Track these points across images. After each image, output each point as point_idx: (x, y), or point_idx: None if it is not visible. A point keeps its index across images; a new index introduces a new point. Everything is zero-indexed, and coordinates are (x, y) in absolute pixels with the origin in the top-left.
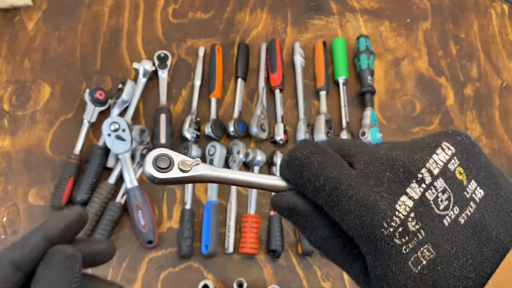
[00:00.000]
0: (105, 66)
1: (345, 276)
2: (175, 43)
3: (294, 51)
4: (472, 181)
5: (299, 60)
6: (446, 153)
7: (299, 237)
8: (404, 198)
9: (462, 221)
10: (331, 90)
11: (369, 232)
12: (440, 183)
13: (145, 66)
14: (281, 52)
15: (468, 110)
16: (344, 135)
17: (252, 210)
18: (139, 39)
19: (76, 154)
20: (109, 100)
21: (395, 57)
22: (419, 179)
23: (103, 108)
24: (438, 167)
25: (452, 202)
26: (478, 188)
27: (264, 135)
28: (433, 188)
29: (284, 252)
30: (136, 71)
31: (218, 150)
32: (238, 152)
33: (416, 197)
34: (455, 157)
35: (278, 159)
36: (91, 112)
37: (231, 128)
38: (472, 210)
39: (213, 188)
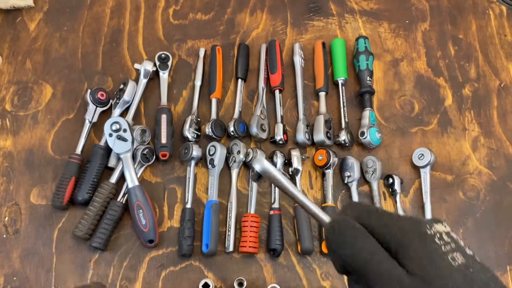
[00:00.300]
0: (107, 66)
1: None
2: (176, 44)
3: (294, 52)
4: (469, 250)
5: (298, 61)
6: (447, 226)
7: (298, 236)
8: (437, 225)
9: (477, 259)
10: (331, 90)
11: (417, 230)
12: (454, 234)
13: (146, 66)
14: (280, 53)
15: (467, 111)
16: (343, 135)
17: (252, 209)
18: (140, 40)
19: (77, 154)
20: (111, 101)
21: (394, 57)
22: (443, 223)
23: (105, 108)
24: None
25: (467, 246)
26: (475, 257)
27: (264, 135)
28: (453, 234)
29: (284, 251)
30: (137, 71)
31: (218, 150)
32: (238, 152)
33: (446, 230)
34: (454, 232)
35: (278, 159)
36: (92, 112)
37: (231, 128)
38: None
39: (213, 187)
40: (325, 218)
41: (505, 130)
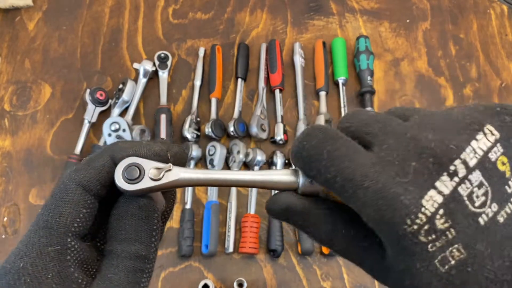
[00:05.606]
0: (106, 66)
1: (345, 275)
2: (175, 43)
3: (294, 51)
4: None
5: (299, 61)
6: (488, 139)
7: (298, 236)
8: (432, 192)
9: (501, 219)
10: (331, 90)
11: (390, 228)
12: (476, 176)
13: (146, 66)
14: (281, 53)
15: None
16: None
17: (252, 210)
18: (140, 40)
19: (76, 154)
20: (110, 100)
21: (395, 57)
22: (451, 171)
23: (104, 108)
24: (476, 157)
25: (489, 198)
26: None
27: (264, 135)
28: (467, 182)
29: (284, 251)
30: (137, 71)
31: (218, 150)
32: (238, 152)
33: (446, 192)
34: (498, 144)
35: (278, 159)
36: (91, 112)
37: (231, 128)
38: None
39: (213, 188)
40: (289, 177)
41: None
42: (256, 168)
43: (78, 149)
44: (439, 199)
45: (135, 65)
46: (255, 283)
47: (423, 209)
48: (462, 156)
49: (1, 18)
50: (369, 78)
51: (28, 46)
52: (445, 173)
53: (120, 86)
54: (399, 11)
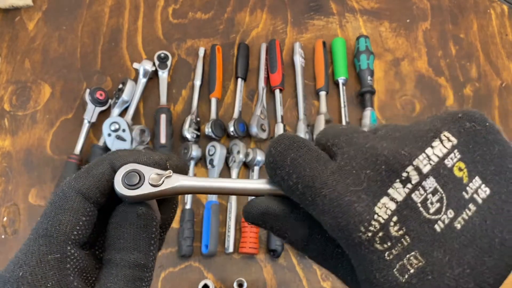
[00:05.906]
0: (106, 66)
1: None
2: (175, 43)
3: (294, 51)
4: (476, 177)
5: (299, 60)
6: (445, 146)
7: None
8: (385, 199)
9: (458, 226)
10: (331, 90)
11: (347, 235)
12: (430, 183)
13: (145, 66)
14: (281, 52)
15: None
16: None
17: None
18: (139, 39)
19: (76, 154)
20: (109, 100)
21: (395, 57)
22: (403, 178)
23: (104, 108)
24: (430, 164)
25: (444, 204)
26: (483, 186)
27: (264, 135)
28: (421, 189)
29: (284, 251)
30: (136, 71)
31: (218, 150)
32: (238, 152)
33: (399, 198)
34: (455, 150)
35: None
36: (91, 112)
37: (231, 128)
38: (470, 214)
39: None
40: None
41: (506, 130)
42: (256, 168)
43: (78, 149)
44: (392, 206)
45: (135, 65)
46: (255, 283)
47: (375, 216)
48: (414, 162)
49: (1, 18)
50: (369, 78)
51: (28, 46)
52: (397, 180)
53: (120, 86)
54: (399, 11)
